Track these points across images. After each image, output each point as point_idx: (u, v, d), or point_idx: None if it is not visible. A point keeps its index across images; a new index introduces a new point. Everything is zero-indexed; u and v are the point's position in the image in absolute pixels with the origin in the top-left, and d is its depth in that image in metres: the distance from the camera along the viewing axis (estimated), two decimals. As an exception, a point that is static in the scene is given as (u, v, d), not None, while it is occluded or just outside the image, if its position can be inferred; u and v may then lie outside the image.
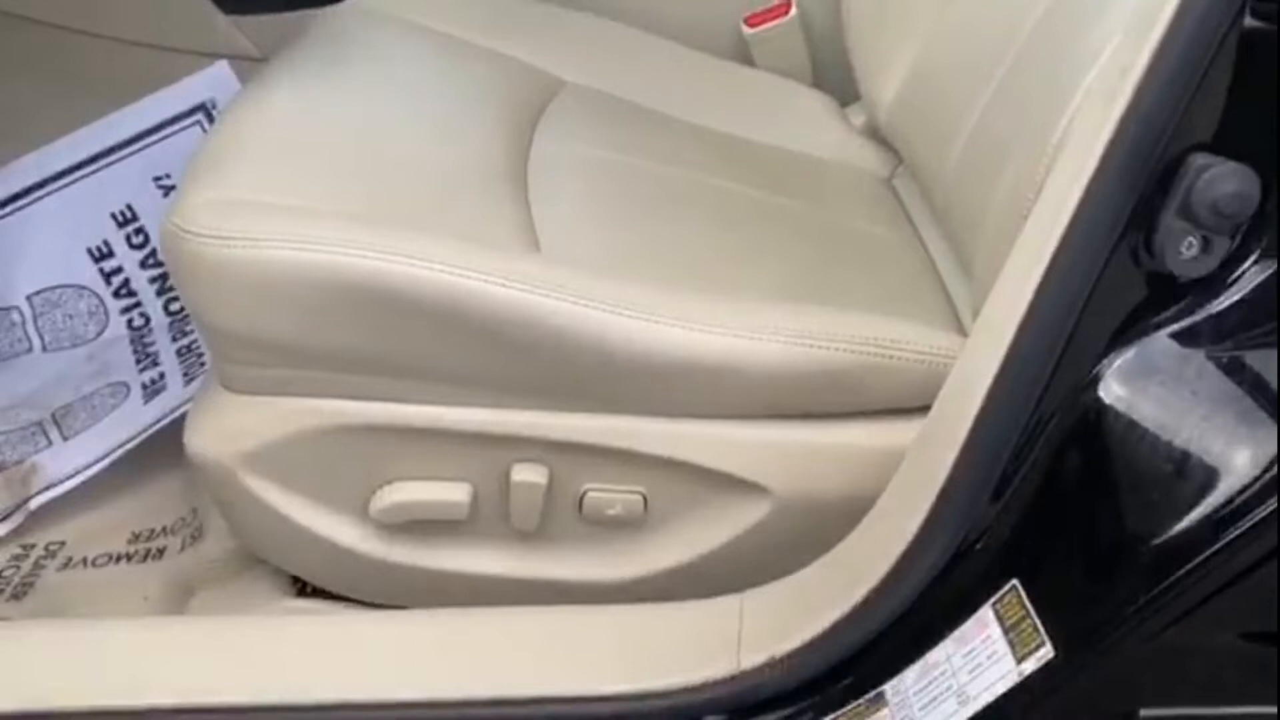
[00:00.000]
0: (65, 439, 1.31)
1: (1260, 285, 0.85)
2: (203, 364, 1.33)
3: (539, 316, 1.00)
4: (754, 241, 1.19)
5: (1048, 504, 0.87)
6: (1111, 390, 0.86)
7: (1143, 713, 0.87)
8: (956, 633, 0.87)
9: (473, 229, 1.07)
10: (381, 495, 1.07)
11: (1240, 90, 0.83)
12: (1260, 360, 0.85)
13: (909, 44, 1.31)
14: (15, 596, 1.21)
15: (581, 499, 1.08)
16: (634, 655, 0.95)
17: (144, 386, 1.35)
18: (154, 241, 1.43)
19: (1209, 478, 0.82)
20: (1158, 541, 0.82)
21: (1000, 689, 0.84)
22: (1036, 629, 0.83)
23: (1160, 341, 0.86)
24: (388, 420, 1.05)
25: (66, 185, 1.42)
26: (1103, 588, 0.85)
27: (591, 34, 1.50)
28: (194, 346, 1.38)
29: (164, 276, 1.43)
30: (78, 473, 1.27)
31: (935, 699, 0.86)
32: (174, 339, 1.42)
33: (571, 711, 0.92)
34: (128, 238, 1.44)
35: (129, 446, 1.27)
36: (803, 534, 1.01)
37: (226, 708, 0.92)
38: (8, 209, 1.42)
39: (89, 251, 1.43)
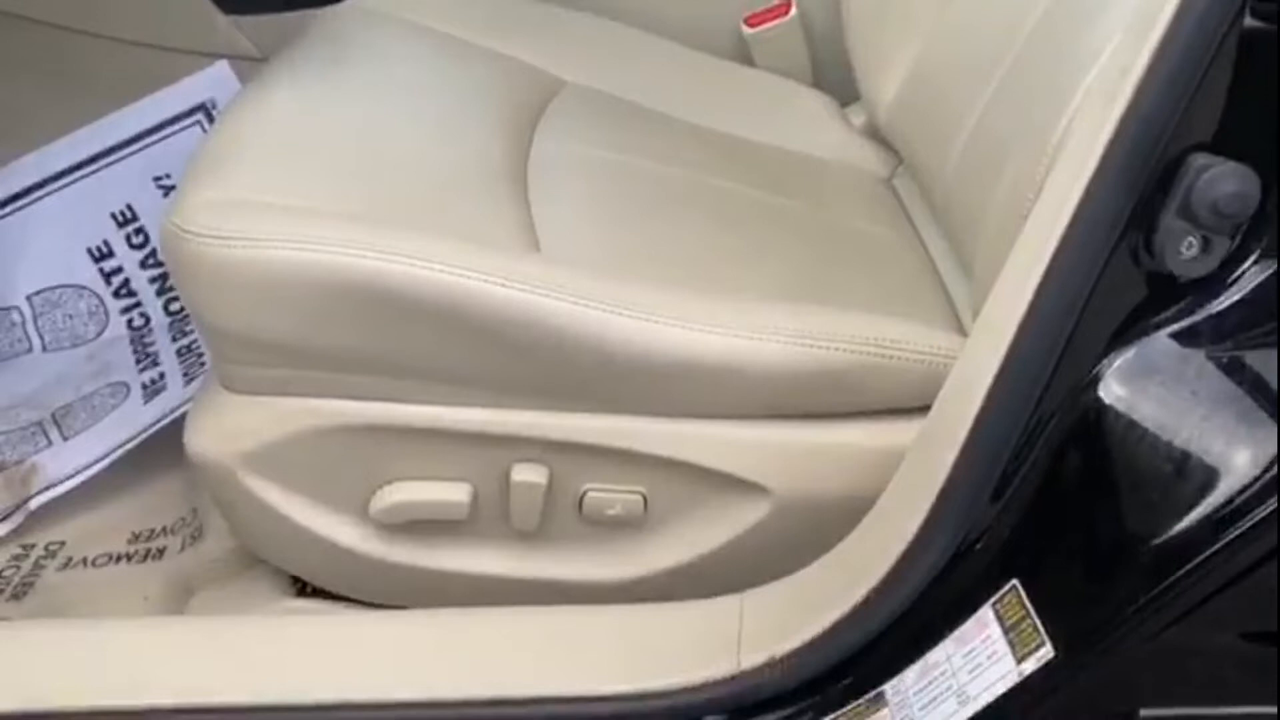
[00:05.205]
0: (65, 439, 1.31)
1: (1260, 285, 0.85)
2: (203, 364, 1.33)
3: (539, 316, 1.00)
4: (754, 241, 1.19)
5: (1048, 504, 0.87)
6: (1111, 390, 0.86)
7: (1143, 713, 0.87)
8: (956, 633, 0.87)
9: (473, 229, 1.07)
10: (381, 495, 1.07)
11: (1240, 90, 0.82)
12: (1260, 360, 0.85)
13: (909, 44, 1.31)
14: (15, 596, 1.21)
15: (581, 499, 1.08)
16: (634, 655, 0.95)
17: (144, 386, 1.35)
18: (154, 241, 1.43)
19: (1209, 478, 0.82)
20: (1158, 541, 0.82)
21: (1000, 689, 0.84)
22: (1036, 629, 0.83)
23: (1160, 341, 0.86)
24: (388, 420, 1.05)
25: (66, 185, 1.42)
26: (1103, 588, 0.85)
27: (591, 34, 1.50)
28: (194, 346, 1.38)
29: (164, 276, 1.43)
30: (78, 473, 1.27)
31: (935, 699, 0.86)
32: (174, 339, 1.42)
33: (571, 711, 0.92)
34: (128, 238, 1.44)
35: (129, 446, 1.27)
36: (803, 534, 1.01)
37: (226, 708, 0.92)
38: (8, 209, 1.42)
39: (89, 251, 1.43)
